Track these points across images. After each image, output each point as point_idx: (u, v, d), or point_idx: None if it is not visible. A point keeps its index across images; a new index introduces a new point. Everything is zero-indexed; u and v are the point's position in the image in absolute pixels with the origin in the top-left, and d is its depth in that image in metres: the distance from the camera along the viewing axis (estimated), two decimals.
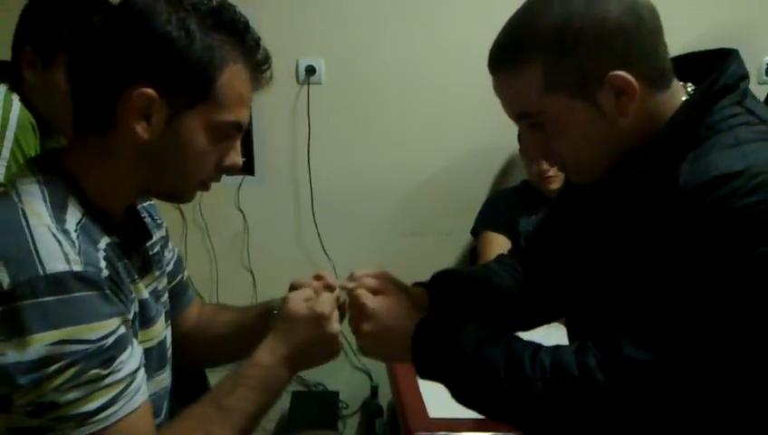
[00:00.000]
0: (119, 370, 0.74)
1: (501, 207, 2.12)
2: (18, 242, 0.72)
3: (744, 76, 0.82)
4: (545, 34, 0.78)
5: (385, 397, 2.34)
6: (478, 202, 2.20)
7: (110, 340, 0.73)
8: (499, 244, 2.03)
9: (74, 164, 0.83)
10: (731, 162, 0.72)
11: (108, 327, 0.73)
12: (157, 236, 1.02)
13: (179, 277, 1.11)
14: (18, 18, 1.39)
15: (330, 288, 0.98)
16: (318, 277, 1.00)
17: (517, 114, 0.86)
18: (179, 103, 0.80)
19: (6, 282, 0.69)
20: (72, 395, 0.70)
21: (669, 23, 0.80)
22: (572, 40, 0.78)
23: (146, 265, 0.93)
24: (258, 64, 0.85)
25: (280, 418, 2.24)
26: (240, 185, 2.26)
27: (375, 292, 0.95)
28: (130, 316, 0.81)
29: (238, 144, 0.88)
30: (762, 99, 1.86)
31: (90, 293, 0.72)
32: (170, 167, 0.84)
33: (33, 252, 0.71)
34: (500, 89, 0.86)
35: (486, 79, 0.86)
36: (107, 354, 0.72)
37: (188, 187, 0.88)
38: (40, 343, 0.68)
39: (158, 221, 1.06)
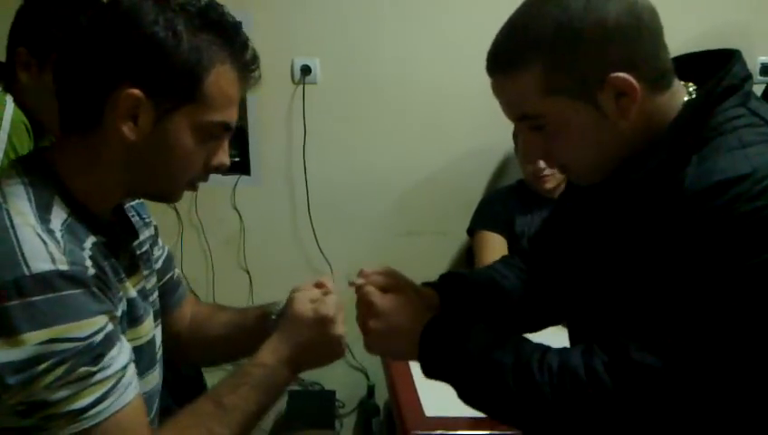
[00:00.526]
0: (108, 366, 0.74)
1: (497, 207, 2.12)
2: (3, 243, 0.72)
3: (748, 77, 0.81)
4: (544, 36, 0.77)
5: (382, 396, 2.35)
6: (474, 202, 2.20)
7: (99, 337, 0.73)
8: (495, 243, 2.03)
9: (61, 164, 0.82)
10: (736, 166, 0.72)
11: (96, 324, 0.73)
12: (145, 234, 1.02)
13: (170, 275, 1.11)
14: (12, 19, 1.39)
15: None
16: (319, 285, 0.99)
17: (517, 117, 0.85)
18: (166, 104, 0.79)
19: None
20: (62, 393, 0.70)
21: (663, 23, 0.80)
22: (572, 41, 0.77)
23: (133, 264, 0.93)
24: (246, 65, 0.84)
25: (277, 417, 2.24)
26: (236, 185, 2.26)
27: (384, 290, 0.95)
28: (118, 314, 0.81)
29: (226, 144, 0.88)
30: None
31: (76, 291, 0.72)
32: (157, 167, 0.84)
33: (18, 252, 0.71)
34: (499, 91, 0.84)
35: (482, 78, 0.86)
36: (96, 351, 0.73)
37: (176, 187, 0.88)
38: (29, 342, 0.68)
39: (147, 220, 1.06)
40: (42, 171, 0.81)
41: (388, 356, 1.03)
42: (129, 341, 0.83)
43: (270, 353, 0.89)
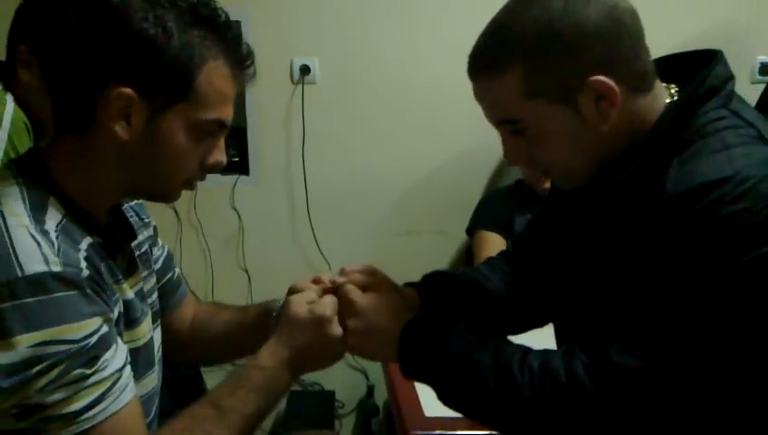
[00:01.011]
0: (103, 368, 0.73)
1: (496, 207, 2.12)
2: None
3: (730, 78, 0.80)
4: (524, 39, 0.77)
5: (381, 396, 2.34)
6: (473, 201, 2.20)
7: (93, 339, 0.72)
8: (494, 243, 2.03)
9: (55, 165, 0.81)
10: (718, 168, 0.71)
11: (90, 326, 0.72)
12: (144, 235, 1.01)
13: (170, 275, 1.11)
14: (13, 17, 1.38)
15: (328, 291, 0.96)
16: (316, 281, 0.99)
17: (498, 120, 0.84)
18: (159, 103, 0.78)
19: None
20: (57, 395, 0.70)
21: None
22: (551, 44, 0.76)
23: (131, 265, 0.93)
24: (240, 60, 0.83)
25: (276, 417, 2.24)
26: (235, 185, 2.26)
27: (364, 288, 0.94)
28: (114, 316, 0.80)
29: (222, 142, 0.87)
30: (755, 99, 1.87)
31: (70, 292, 0.71)
32: (152, 167, 0.83)
33: (11, 253, 0.70)
34: (480, 95, 0.84)
35: None
36: (90, 353, 0.72)
37: (172, 186, 0.87)
38: (22, 344, 0.68)
39: (146, 220, 1.05)
40: (36, 172, 0.80)
41: (368, 357, 1.02)
42: (126, 342, 0.83)
43: (269, 356, 0.88)
